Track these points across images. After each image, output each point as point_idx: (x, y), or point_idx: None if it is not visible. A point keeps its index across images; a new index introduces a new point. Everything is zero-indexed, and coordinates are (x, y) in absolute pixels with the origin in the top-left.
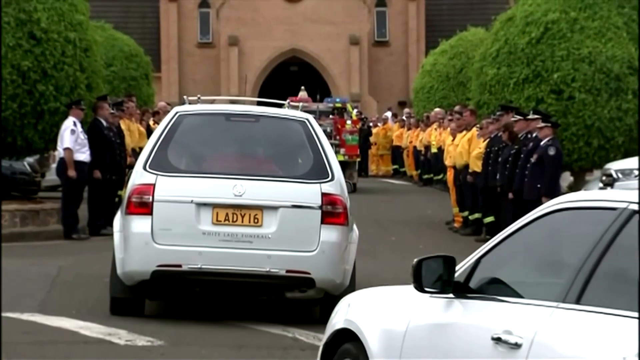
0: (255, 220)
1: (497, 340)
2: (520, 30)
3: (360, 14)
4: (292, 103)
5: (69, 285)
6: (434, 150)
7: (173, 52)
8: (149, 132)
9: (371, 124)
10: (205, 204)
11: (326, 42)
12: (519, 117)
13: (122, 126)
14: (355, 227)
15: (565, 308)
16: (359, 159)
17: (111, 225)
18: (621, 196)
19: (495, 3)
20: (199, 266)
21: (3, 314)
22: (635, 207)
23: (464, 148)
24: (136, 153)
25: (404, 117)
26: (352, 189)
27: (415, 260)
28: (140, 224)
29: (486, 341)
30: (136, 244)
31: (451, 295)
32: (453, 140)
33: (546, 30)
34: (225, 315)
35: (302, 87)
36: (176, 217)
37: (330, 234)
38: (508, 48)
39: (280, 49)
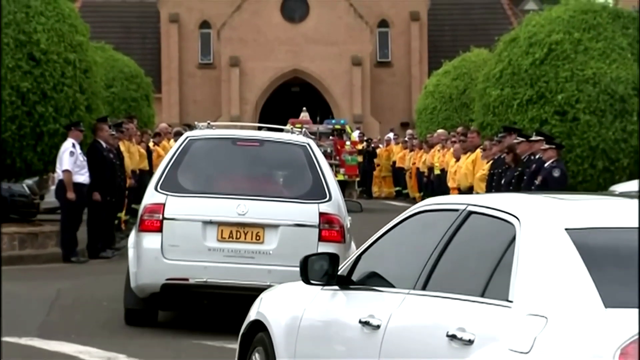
0: (257, 238)
1: (364, 323)
2: (524, 51)
3: (362, 34)
4: (294, 128)
5: (68, 308)
6: (437, 171)
7: (174, 73)
8: (149, 153)
9: (378, 146)
10: (211, 222)
11: (328, 62)
12: (522, 138)
13: (122, 148)
14: (353, 245)
15: (414, 294)
16: (358, 179)
17: (110, 248)
18: (463, 199)
19: (499, 24)
20: (204, 280)
21: (2, 339)
22: (471, 208)
23: (469, 169)
24: (136, 175)
25: (406, 139)
26: (360, 209)
27: (303, 257)
28: (150, 241)
29: (355, 324)
30: (147, 259)
31: (336, 287)
32: (457, 161)
33: (550, 51)
34: (228, 335)
35: (304, 108)
36: (184, 234)
37: (327, 250)
38: (512, 69)
39: (281, 70)
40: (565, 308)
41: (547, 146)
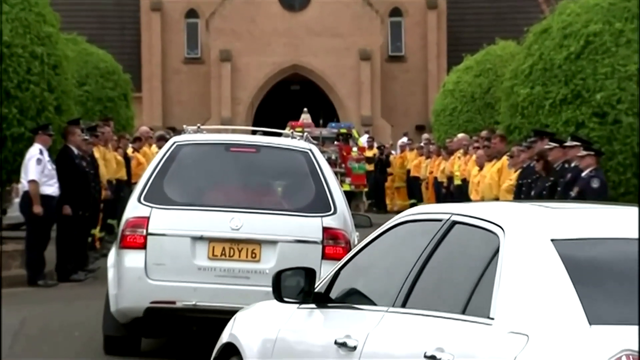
0: (253, 255)
1: (340, 344)
2: (557, 43)
3: (371, 25)
4: (294, 132)
5: (35, 339)
6: (457, 182)
7: (156, 69)
8: (128, 161)
9: (391, 153)
10: (201, 238)
11: (332, 57)
12: (554, 144)
13: (97, 154)
14: None
15: (393, 312)
16: (366, 189)
17: (82, 269)
18: (447, 208)
19: (528, 12)
20: (193, 303)
21: None
22: (456, 217)
23: (494, 180)
24: (112, 185)
25: (422, 144)
26: (369, 224)
27: (275, 272)
28: (133, 259)
29: (331, 345)
30: (129, 279)
31: (313, 305)
32: (480, 170)
33: (587, 44)
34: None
35: (305, 109)
36: (171, 252)
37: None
38: (543, 64)
39: (279, 66)
40: (547, 325)
41: (584, 153)
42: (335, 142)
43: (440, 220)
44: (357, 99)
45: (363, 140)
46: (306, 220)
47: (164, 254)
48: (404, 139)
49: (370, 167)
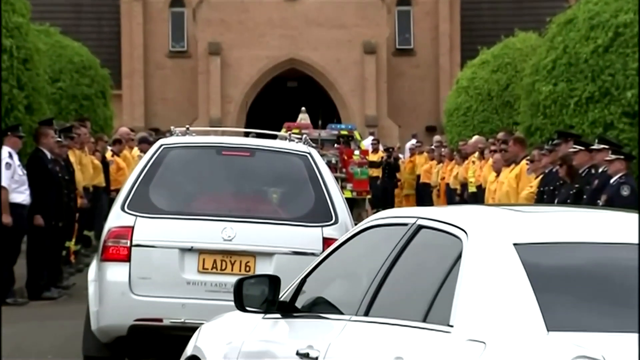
0: (247, 269)
1: (302, 355)
2: (583, 35)
3: (377, 15)
4: (292, 134)
5: None
6: (471, 189)
7: (138, 63)
8: (106, 166)
9: (399, 156)
10: (190, 250)
11: (334, 50)
12: (580, 147)
13: (72, 159)
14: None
15: (355, 321)
16: (369, 196)
17: (55, 286)
18: (412, 212)
19: (551, 1)
20: (182, 320)
21: None
22: (422, 221)
23: (512, 187)
24: (89, 193)
25: (433, 147)
26: None
27: (237, 279)
28: (116, 272)
29: (293, 356)
30: (111, 295)
31: (278, 315)
32: (497, 176)
33: (616, 36)
34: None
35: (303, 109)
36: (157, 265)
37: None
38: (567, 58)
39: (274, 60)
40: (505, 332)
41: (613, 156)
42: (336, 145)
43: (406, 224)
44: (360, 97)
45: (367, 142)
46: (305, 231)
47: (150, 267)
48: (413, 141)
49: (376, 172)
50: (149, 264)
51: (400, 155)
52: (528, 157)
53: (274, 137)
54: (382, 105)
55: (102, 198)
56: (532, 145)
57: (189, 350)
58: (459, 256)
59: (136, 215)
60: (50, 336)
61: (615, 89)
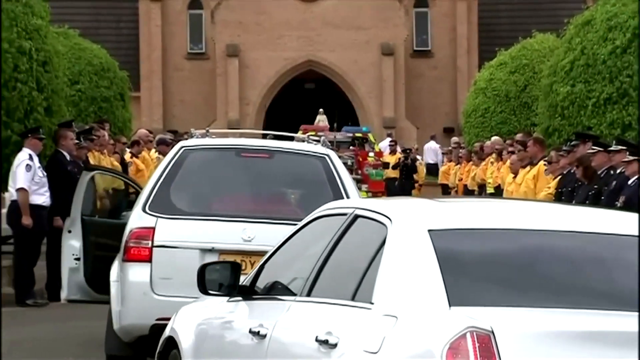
0: None
1: (254, 333)
2: (601, 36)
3: (394, 16)
4: (310, 136)
5: None
6: (490, 190)
7: (156, 65)
8: (124, 167)
9: (417, 158)
10: (211, 250)
11: (351, 52)
12: (598, 148)
13: (91, 160)
14: None
15: (299, 301)
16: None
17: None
18: (350, 203)
19: (569, 2)
20: None
21: None
22: (358, 211)
23: (529, 187)
24: (109, 194)
25: (451, 148)
26: None
27: (200, 265)
28: (137, 273)
29: (247, 334)
30: (133, 294)
31: (239, 297)
32: (515, 177)
33: (634, 37)
34: None
35: (321, 110)
36: (178, 265)
37: None
38: (585, 60)
39: (292, 62)
40: (413, 308)
41: (630, 158)
42: (351, 147)
43: (345, 214)
44: (378, 99)
45: (385, 144)
46: None
47: (171, 268)
48: (432, 143)
49: (394, 174)
50: (170, 264)
51: (418, 157)
52: (546, 158)
53: (291, 138)
54: (399, 107)
55: (121, 199)
56: (550, 146)
57: (166, 332)
58: (384, 242)
59: (157, 216)
60: (71, 337)
61: (633, 90)
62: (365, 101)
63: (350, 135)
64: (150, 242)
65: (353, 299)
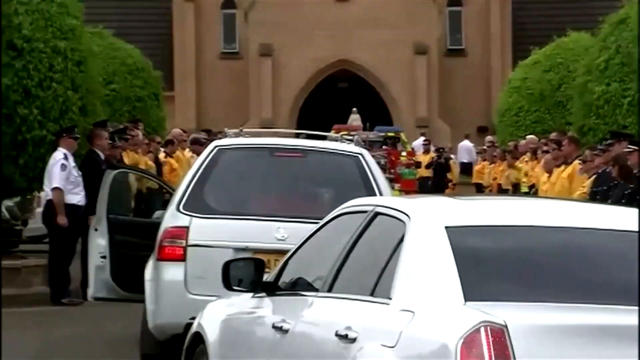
0: None
1: (277, 328)
2: (636, 34)
3: (428, 15)
4: (344, 135)
5: None
6: (524, 189)
7: (189, 65)
8: (159, 166)
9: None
10: (245, 250)
11: (384, 51)
12: (634, 147)
13: (125, 160)
14: None
15: (320, 297)
16: None
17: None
18: (371, 201)
19: (603, 0)
20: None
21: None
22: (379, 209)
23: (564, 187)
24: (143, 194)
25: (485, 147)
26: None
27: (225, 261)
28: (172, 272)
29: (269, 329)
30: (167, 293)
31: (263, 293)
32: (549, 176)
33: None
34: None
35: (354, 109)
36: (212, 264)
37: None
38: (620, 58)
39: (325, 61)
40: (430, 303)
41: None
42: (383, 147)
43: (366, 212)
44: (412, 98)
45: (418, 143)
46: None
47: (205, 267)
48: (465, 142)
49: (427, 173)
50: (204, 263)
51: (452, 156)
52: (580, 157)
53: (324, 137)
54: (433, 106)
55: (155, 199)
56: (585, 145)
57: (193, 328)
58: (403, 238)
59: (191, 216)
60: (106, 336)
61: None
62: (398, 100)
63: (382, 134)
64: (184, 242)
65: (372, 294)
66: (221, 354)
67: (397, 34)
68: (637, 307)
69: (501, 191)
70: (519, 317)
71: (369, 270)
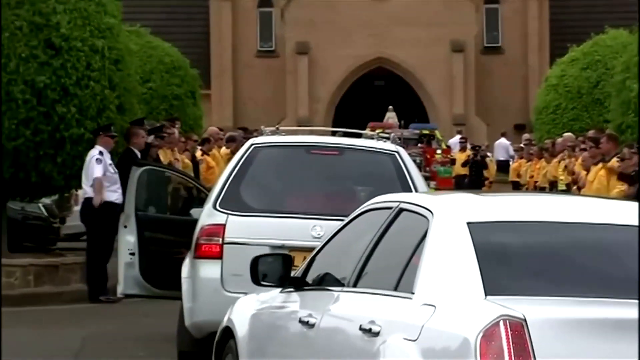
0: None
1: (304, 322)
2: None
3: (465, 13)
4: (380, 133)
5: None
6: (561, 187)
7: (226, 63)
8: (196, 164)
9: (487, 155)
10: (281, 247)
11: (421, 49)
12: None
13: (162, 158)
14: None
15: (346, 292)
16: None
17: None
18: (395, 197)
19: None
20: None
21: None
22: (403, 205)
23: (602, 184)
24: (179, 192)
25: (522, 145)
26: None
27: (253, 257)
28: (208, 269)
29: (297, 323)
30: (204, 291)
31: (291, 288)
32: (587, 174)
33: None
34: None
35: (390, 107)
36: (248, 262)
37: None
38: None
39: (362, 59)
40: (451, 297)
41: None
42: (419, 145)
43: (391, 208)
44: (448, 96)
45: (455, 141)
46: None
47: (242, 264)
48: (503, 140)
49: (464, 171)
50: (241, 261)
51: (488, 154)
52: (619, 155)
53: (359, 135)
54: (470, 104)
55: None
56: (623, 143)
57: (224, 322)
58: (426, 234)
59: (228, 214)
60: (143, 333)
61: None
62: (435, 98)
63: (417, 132)
64: (221, 239)
65: (396, 289)
66: (250, 347)
67: (434, 31)
68: None
69: (538, 189)
70: (538, 311)
71: (393, 265)
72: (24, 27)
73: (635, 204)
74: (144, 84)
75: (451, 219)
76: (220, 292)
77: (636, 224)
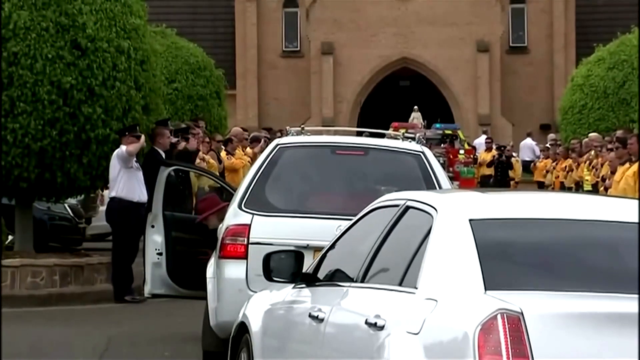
0: None
1: (313, 317)
2: None
3: (490, 12)
4: (405, 133)
5: None
6: (587, 187)
7: (251, 63)
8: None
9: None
10: (306, 247)
11: (446, 49)
12: None
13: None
14: None
15: (354, 287)
16: None
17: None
18: (403, 195)
19: None
20: None
21: None
22: (409, 203)
23: (629, 185)
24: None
25: (547, 145)
26: None
27: (265, 253)
28: (233, 269)
29: (306, 318)
30: (229, 291)
31: (303, 284)
32: (613, 174)
33: None
34: None
35: (415, 107)
36: None
37: None
38: None
39: (387, 59)
40: (452, 292)
41: None
42: (442, 145)
43: (398, 205)
44: (473, 96)
45: (480, 141)
46: None
47: None
48: (528, 141)
49: (489, 171)
50: None
51: (514, 154)
52: None
53: (382, 135)
54: (495, 104)
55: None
56: None
57: (239, 318)
58: (430, 230)
59: (253, 214)
60: (168, 333)
61: None
62: (460, 98)
63: (440, 132)
64: (245, 239)
65: (400, 284)
66: (263, 342)
67: (459, 31)
68: None
69: (564, 189)
70: (535, 304)
71: (398, 261)
72: (50, 28)
73: (635, 201)
74: (169, 84)
75: (454, 216)
76: (245, 292)
77: (635, 220)
